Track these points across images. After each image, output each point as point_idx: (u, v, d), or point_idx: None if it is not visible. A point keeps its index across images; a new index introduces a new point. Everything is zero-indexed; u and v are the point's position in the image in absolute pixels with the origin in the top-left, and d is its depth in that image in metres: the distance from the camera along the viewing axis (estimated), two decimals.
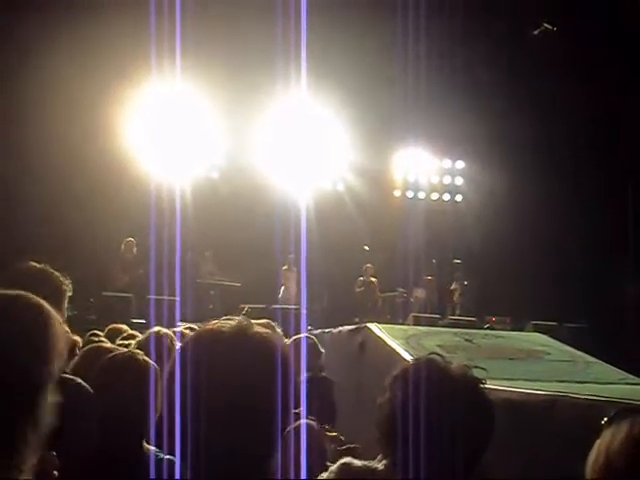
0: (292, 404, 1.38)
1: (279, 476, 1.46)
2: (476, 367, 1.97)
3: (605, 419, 1.53)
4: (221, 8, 12.68)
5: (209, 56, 12.75)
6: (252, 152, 15.28)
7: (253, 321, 1.50)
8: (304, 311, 11.51)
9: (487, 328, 12.40)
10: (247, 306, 12.54)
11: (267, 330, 1.48)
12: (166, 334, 3.73)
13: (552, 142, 14.89)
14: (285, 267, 13.40)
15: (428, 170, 17.47)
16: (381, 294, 14.72)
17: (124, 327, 5.04)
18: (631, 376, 7.50)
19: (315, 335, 6.44)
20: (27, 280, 2.34)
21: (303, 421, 2.71)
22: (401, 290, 14.82)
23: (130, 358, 2.72)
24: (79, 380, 2.71)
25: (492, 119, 14.70)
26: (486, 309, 14.30)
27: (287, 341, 4.32)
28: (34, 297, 1.45)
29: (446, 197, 17.69)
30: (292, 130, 15.34)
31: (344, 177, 16.39)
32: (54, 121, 12.11)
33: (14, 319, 1.40)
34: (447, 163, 17.61)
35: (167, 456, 2.34)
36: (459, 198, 17.68)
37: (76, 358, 3.34)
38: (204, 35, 11.69)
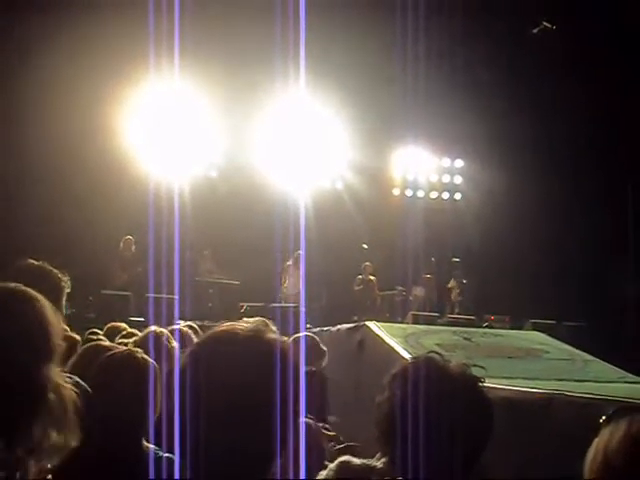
0: (292, 404, 1.38)
1: (278, 476, 1.46)
2: (475, 366, 1.97)
3: (603, 417, 1.53)
4: (220, 7, 12.67)
5: (208, 55, 12.73)
6: (251, 151, 15.27)
7: (248, 319, 1.50)
8: (303, 309, 11.51)
9: (486, 327, 12.41)
10: (246, 304, 12.55)
11: (266, 329, 1.48)
12: (162, 333, 3.73)
13: (552, 141, 14.89)
14: (289, 263, 13.27)
15: (427, 169, 17.47)
16: (380, 292, 14.71)
17: (123, 325, 5.04)
18: (630, 375, 7.52)
19: (314, 334, 6.43)
20: (26, 277, 2.34)
21: (302, 420, 2.71)
22: (400, 288, 14.81)
23: (129, 356, 2.72)
24: (76, 379, 2.70)
25: (491, 118, 14.70)
26: (485, 308, 14.29)
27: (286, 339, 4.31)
28: (30, 290, 1.45)
29: (445, 196, 17.69)
30: (291, 129, 15.33)
31: (343, 175, 16.38)
32: (54, 121, 12.10)
33: (11, 312, 1.40)
34: (446, 162, 17.61)
35: (166, 454, 2.35)
36: (458, 197, 17.68)
37: (74, 357, 3.33)
38: (203, 34, 11.67)
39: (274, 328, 1.49)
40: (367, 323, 8.98)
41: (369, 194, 15.94)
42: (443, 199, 17.67)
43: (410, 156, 17.24)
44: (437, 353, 1.98)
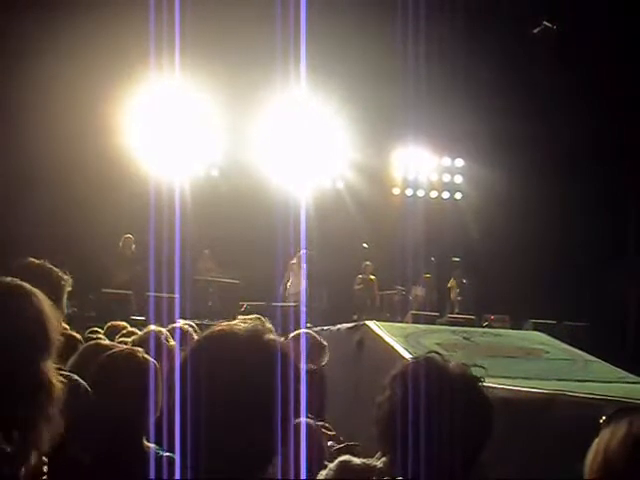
0: (293, 404, 1.38)
1: (279, 475, 1.46)
2: (475, 365, 1.97)
3: (604, 418, 1.53)
4: (220, 6, 12.66)
5: (209, 53, 12.73)
6: (252, 150, 15.26)
7: (244, 317, 1.50)
8: (303, 308, 11.51)
9: (486, 326, 12.42)
10: (246, 303, 12.55)
11: (264, 329, 1.48)
12: (161, 332, 3.73)
13: (552, 141, 14.89)
14: (293, 261, 13.18)
15: (427, 168, 17.46)
16: (380, 292, 14.72)
17: (123, 324, 5.04)
18: (630, 375, 7.51)
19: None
20: (26, 276, 2.34)
21: (302, 419, 2.71)
22: (400, 288, 14.82)
23: (129, 355, 2.72)
24: (76, 377, 2.70)
25: (492, 117, 14.69)
26: (485, 307, 14.29)
27: (285, 337, 4.31)
28: (27, 285, 1.45)
29: (445, 195, 17.68)
30: (292, 128, 15.33)
31: (343, 175, 16.38)
32: (54, 121, 12.10)
33: (9, 306, 1.40)
34: (446, 161, 17.59)
35: (167, 453, 2.35)
36: (458, 196, 17.66)
37: (75, 355, 3.33)
38: (204, 32, 11.66)
39: (270, 326, 1.49)
40: (367, 323, 8.96)
41: (369, 193, 15.94)
42: (443, 198, 17.66)
43: (410, 155, 17.23)
44: (437, 353, 1.98)
